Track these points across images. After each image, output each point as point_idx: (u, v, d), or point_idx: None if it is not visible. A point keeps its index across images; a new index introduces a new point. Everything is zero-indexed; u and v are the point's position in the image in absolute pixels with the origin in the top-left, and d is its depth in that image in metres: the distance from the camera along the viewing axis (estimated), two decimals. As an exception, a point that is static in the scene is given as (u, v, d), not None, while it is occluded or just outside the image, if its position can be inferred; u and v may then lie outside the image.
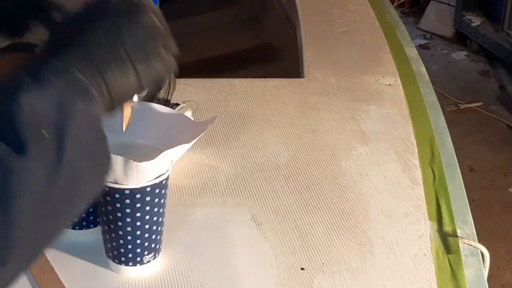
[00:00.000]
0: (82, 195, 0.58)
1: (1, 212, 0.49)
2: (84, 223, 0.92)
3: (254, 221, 0.97)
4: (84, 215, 0.91)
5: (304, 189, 1.05)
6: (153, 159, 0.78)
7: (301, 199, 1.03)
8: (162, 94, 1.12)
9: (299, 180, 1.07)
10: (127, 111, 0.76)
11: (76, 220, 0.91)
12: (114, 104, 0.62)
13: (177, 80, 1.14)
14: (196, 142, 0.83)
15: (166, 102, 1.11)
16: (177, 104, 1.15)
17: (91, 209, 0.91)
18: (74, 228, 0.92)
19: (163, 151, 0.79)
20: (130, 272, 0.86)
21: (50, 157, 0.53)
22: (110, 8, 0.63)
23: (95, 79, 0.59)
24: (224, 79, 1.40)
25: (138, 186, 0.80)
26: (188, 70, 1.41)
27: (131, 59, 0.62)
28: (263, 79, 1.41)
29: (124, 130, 0.77)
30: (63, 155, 0.54)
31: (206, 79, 1.39)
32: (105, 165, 0.61)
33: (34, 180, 0.51)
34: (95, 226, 0.92)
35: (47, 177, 0.53)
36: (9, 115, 0.52)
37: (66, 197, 0.55)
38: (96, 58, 0.60)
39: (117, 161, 0.77)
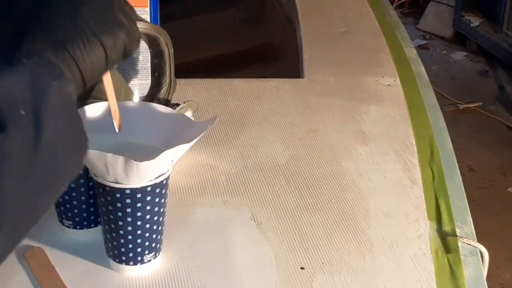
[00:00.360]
0: (62, 175, 0.58)
1: None
2: (84, 223, 0.92)
3: (254, 221, 0.97)
4: (84, 214, 0.91)
5: (304, 189, 1.05)
6: (153, 159, 0.78)
7: (301, 199, 1.03)
8: (162, 95, 1.12)
9: (299, 180, 1.07)
10: (114, 107, 0.76)
11: (77, 219, 0.91)
12: (86, 82, 0.62)
13: (177, 80, 1.15)
14: (196, 142, 0.83)
15: (167, 102, 1.11)
16: (177, 104, 1.15)
17: (91, 209, 0.91)
18: (74, 227, 0.92)
19: (163, 151, 0.79)
20: (130, 272, 0.86)
21: (28, 134, 0.53)
22: None
23: (64, 57, 0.59)
24: (224, 79, 1.40)
25: (138, 185, 0.80)
26: (188, 70, 1.41)
27: (94, 32, 0.61)
28: (263, 79, 1.42)
29: (117, 129, 0.78)
30: (42, 133, 0.54)
31: (206, 79, 1.39)
32: (83, 146, 0.60)
33: (15, 156, 0.52)
34: (95, 226, 0.92)
35: (27, 154, 0.53)
36: None
37: (46, 174, 0.55)
38: (60, 36, 0.60)
39: (118, 161, 0.77)
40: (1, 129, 0.52)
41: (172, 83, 1.12)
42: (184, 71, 1.25)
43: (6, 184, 0.51)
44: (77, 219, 0.91)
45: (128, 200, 0.81)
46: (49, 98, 0.55)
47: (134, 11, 0.66)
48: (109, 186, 0.80)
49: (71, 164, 0.59)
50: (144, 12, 1.13)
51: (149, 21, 1.12)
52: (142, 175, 0.80)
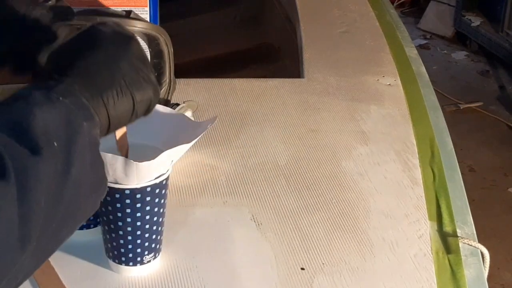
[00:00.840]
0: (83, 210, 0.63)
1: (21, 202, 0.53)
2: (84, 223, 0.92)
3: (254, 221, 0.97)
4: (84, 215, 0.91)
5: (304, 189, 1.05)
6: (153, 159, 0.78)
7: (301, 199, 1.03)
8: (162, 94, 1.12)
9: (299, 180, 1.07)
10: (123, 140, 0.79)
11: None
12: (110, 129, 0.67)
13: (177, 80, 1.14)
14: (196, 142, 0.83)
15: (166, 102, 1.11)
16: (177, 104, 1.15)
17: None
18: (74, 228, 0.92)
19: (163, 151, 0.79)
20: (130, 272, 0.86)
21: (60, 164, 0.57)
22: (103, 37, 0.68)
23: (97, 104, 0.64)
24: (224, 79, 1.40)
25: (138, 186, 0.80)
26: (188, 70, 1.41)
27: (128, 85, 0.67)
28: (263, 79, 1.41)
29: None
30: (71, 166, 0.58)
31: (206, 79, 1.39)
32: (102, 186, 0.65)
33: (47, 180, 0.56)
34: (95, 226, 0.92)
35: (58, 182, 0.57)
36: (26, 125, 0.57)
37: (72, 207, 0.59)
38: (97, 84, 0.65)
39: (118, 161, 0.77)
40: (36, 152, 0.56)
41: (171, 83, 1.11)
42: (184, 71, 1.25)
43: (37, 203, 0.54)
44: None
45: (127, 201, 0.81)
46: (80, 136, 0.60)
47: (154, 72, 0.72)
48: (108, 187, 0.80)
49: (91, 202, 0.63)
50: (144, 12, 1.13)
51: (149, 21, 1.12)
52: (142, 175, 0.80)
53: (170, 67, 1.10)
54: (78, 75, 0.64)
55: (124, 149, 0.82)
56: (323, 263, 0.90)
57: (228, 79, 1.40)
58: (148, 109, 0.70)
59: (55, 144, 0.57)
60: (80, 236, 0.92)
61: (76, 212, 0.61)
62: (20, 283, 0.56)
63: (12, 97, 0.60)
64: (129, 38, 0.70)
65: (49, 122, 0.58)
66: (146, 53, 1.09)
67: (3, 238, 0.52)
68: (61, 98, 0.61)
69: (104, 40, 0.68)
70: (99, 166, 0.64)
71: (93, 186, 0.63)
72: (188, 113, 1.12)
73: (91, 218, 0.92)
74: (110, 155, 0.76)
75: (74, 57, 0.66)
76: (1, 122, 0.57)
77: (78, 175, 0.59)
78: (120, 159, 0.77)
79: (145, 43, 1.09)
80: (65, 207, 0.58)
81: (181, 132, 0.86)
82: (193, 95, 1.30)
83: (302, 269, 0.89)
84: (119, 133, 0.80)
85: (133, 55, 0.69)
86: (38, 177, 0.55)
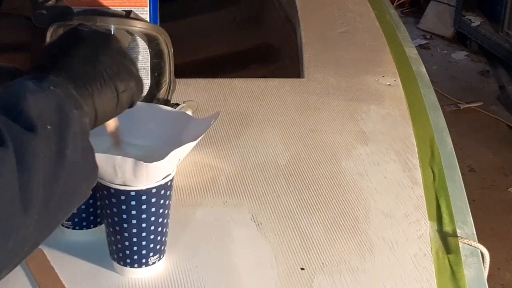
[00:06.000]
0: (78, 195, 0.65)
1: (20, 170, 0.56)
2: (84, 223, 0.92)
3: (254, 221, 0.97)
4: (83, 215, 0.91)
5: (304, 189, 1.05)
6: (161, 159, 0.78)
7: (301, 199, 1.03)
8: (162, 94, 1.12)
9: (299, 180, 1.07)
10: (113, 127, 0.81)
11: (76, 220, 0.91)
12: (98, 120, 0.69)
13: (177, 80, 1.15)
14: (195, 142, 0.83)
15: (166, 102, 1.11)
16: (177, 104, 1.15)
17: (90, 210, 0.91)
18: (74, 228, 0.92)
19: (166, 150, 0.78)
20: (135, 274, 0.86)
21: (53, 146, 0.60)
22: (83, 36, 0.72)
23: (83, 93, 0.67)
24: (224, 79, 1.40)
25: (143, 187, 0.80)
26: (188, 70, 1.41)
27: (110, 77, 0.70)
28: (263, 79, 1.41)
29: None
30: (66, 149, 0.60)
31: (206, 79, 1.39)
32: (94, 173, 0.67)
33: (42, 157, 0.58)
34: (95, 226, 0.92)
35: (54, 161, 0.59)
36: (20, 107, 0.59)
37: (68, 189, 0.62)
38: (80, 76, 0.68)
39: (127, 163, 0.77)
40: (31, 130, 0.58)
41: (171, 83, 1.11)
42: (184, 71, 1.25)
43: (35, 173, 0.57)
44: (76, 219, 0.91)
45: (133, 202, 0.81)
46: (71, 123, 0.62)
47: (136, 65, 0.75)
48: (113, 188, 0.80)
49: (84, 188, 0.65)
50: (144, 12, 1.13)
51: (148, 21, 1.12)
52: (151, 176, 0.79)
53: (170, 67, 1.10)
54: (62, 69, 0.67)
55: (118, 144, 0.83)
56: (323, 263, 0.90)
57: (228, 79, 1.40)
58: (132, 101, 0.73)
59: (49, 127, 0.60)
60: (80, 236, 0.92)
61: (72, 195, 0.63)
62: (26, 254, 0.59)
63: (5, 86, 0.63)
64: (107, 35, 0.74)
65: (42, 107, 0.61)
66: (146, 53, 1.09)
67: (5, 201, 0.54)
68: (51, 87, 0.64)
69: (84, 38, 0.72)
70: (90, 154, 0.65)
71: (86, 172, 0.65)
72: (188, 113, 1.12)
73: (91, 218, 0.92)
74: (119, 157, 0.76)
75: (57, 55, 0.70)
76: None
77: (71, 158, 0.61)
78: (130, 160, 0.76)
79: (145, 43, 1.09)
80: (61, 188, 0.60)
81: (183, 131, 0.86)
82: (193, 95, 1.30)
83: (302, 269, 0.89)
84: (111, 126, 0.81)
85: (113, 50, 0.72)
86: (34, 151, 0.57)
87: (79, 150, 0.63)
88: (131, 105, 0.73)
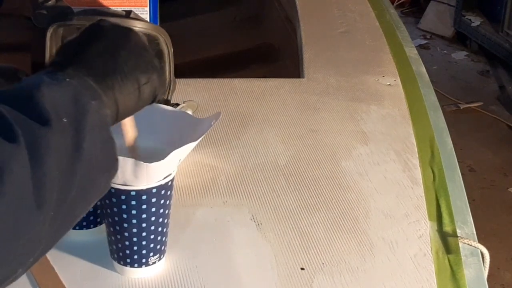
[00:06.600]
0: (96, 189, 0.63)
1: (34, 165, 0.54)
2: (84, 223, 0.92)
3: (254, 221, 0.97)
4: (84, 215, 0.91)
5: (304, 189, 1.05)
6: (161, 159, 0.78)
7: (301, 199, 1.03)
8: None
9: (299, 180, 1.07)
10: (129, 129, 0.78)
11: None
12: (119, 114, 0.67)
13: (177, 80, 1.14)
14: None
15: (166, 102, 1.11)
16: (177, 104, 1.15)
17: (91, 209, 0.91)
18: (74, 228, 0.91)
19: (167, 150, 0.78)
20: (135, 274, 0.86)
21: (69, 139, 0.58)
22: (103, 31, 0.71)
23: (102, 86, 0.65)
24: (224, 79, 1.40)
25: (144, 187, 0.80)
26: (188, 70, 1.41)
27: (131, 69, 0.68)
28: (263, 79, 1.41)
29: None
30: (82, 142, 0.59)
31: (206, 79, 1.39)
32: (114, 166, 0.65)
33: (57, 151, 0.57)
34: (95, 226, 0.92)
35: (70, 156, 0.58)
36: (35, 101, 0.58)
37: (85, 183, 0.60)
38: (101, 70, 0.66)
39: (127, 163, 0.77)
40: (46, 124, 0.56)
41: (171, 83, 1.11)
42: (184, 71, 1.25)
43: (49, 169, 0.55)
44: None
45: (133, 202, 0.81)
46: (88, 115, 0.61)
47: (157, 59, 0.73)
48: (114, 188, 0.80)
49: (103, 181, 0.64)
50: (144, 12, 1.13)
51: (149, 21, 1.12)
52: (152, 176, 0.79)
53: (170, 67, 1.10)
54: (81, 63, 0.66)
55: (134, 150, 0.81)
56: (323, 263, 0.90)
57: (228, 79, 1.40)
58: (155, 95, 0.71)
59: (64, 120, 0.58)
60: (80, 236, 0.92)
61: (90, 189, 0.61)
62: (43, 251, 0.58)
63: (21, 81, 0.62)
64: (128, 30, 0.72)
65: (57, 100, 0.59)
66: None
67: (16, 197, 0.53)
68: (68, 79, 0.62)
69: (104, 33, 0.70)
70: (111, 146, 0.64)
71: (105, 165, 0.63)
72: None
73: (91, 218, 0.92)
74: (120, 157, 0.76)
75: (77, 50, 0.68)
76: (9, 98, 0.58)
77: (89, 152, 0.59)
78: (129, 161, 0.76)
79: (145, 43, 1.09)
80: (78, 182, 0.58)
81: (184, 130, 0.86)
82: (193, 95, 1.30)
83: (302, 269, 0.89)
84: (130, 138, 0.79)
85: (134, 44, 0.71)
86: (48, 146, 0.56)
87: (98, 143, 0.61)
88: (153, 99, 0.72)
